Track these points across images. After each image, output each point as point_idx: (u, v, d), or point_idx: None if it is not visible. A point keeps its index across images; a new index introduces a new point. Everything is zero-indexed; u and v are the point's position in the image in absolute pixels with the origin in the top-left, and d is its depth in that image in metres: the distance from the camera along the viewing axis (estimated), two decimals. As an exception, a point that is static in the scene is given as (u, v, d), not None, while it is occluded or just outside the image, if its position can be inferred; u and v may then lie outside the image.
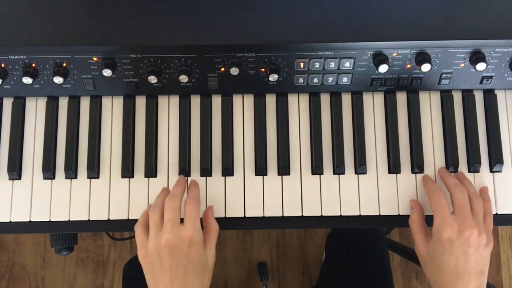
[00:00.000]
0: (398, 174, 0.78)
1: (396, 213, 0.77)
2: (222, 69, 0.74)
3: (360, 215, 0.77)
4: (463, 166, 0.78)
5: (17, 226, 0.77)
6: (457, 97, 0.80)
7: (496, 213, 0.76)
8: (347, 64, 0.74)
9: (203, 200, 0.77)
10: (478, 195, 0.73)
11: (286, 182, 0.77)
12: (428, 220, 0.75)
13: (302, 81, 0.77)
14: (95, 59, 0.72)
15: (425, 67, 0.72)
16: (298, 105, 0.80)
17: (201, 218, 0.74)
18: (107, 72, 0.72)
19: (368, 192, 0.77)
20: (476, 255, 0.68)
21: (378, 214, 0.77)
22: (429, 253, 0.71)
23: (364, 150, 0.78)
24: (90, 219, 0.76)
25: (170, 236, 0.66)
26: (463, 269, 0.68)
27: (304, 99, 0.80)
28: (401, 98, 0.80)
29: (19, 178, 0.77)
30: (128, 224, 0.76)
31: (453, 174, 0.77)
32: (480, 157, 0.77)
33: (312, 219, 0.77)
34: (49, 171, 0.77)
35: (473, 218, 0.70)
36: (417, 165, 0.77)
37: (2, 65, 0.73)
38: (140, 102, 0.80)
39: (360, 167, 0.77)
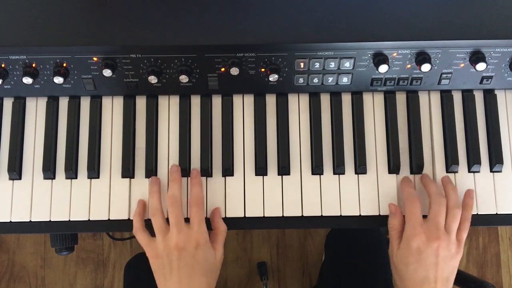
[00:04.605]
0: (398, 174, 0.78)
1: (396, 213, 0.77)
2: (222, 69, 0.74)
3: (360, 215, 0.77)
4: (463, 166, 0.78)
5: (17, 226, 0.77)
6: (457, 97, 0.80)
7: (496, 213, 0.76)
8: (347, 64, 0.74)
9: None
10: (457, 205, 0.73)
11: (286, 182, 0.77)
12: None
13: (302, 81, 0.77)
14: (95, 59, 0.72)
15: (425, 67, 0.72)
16: (298, 105, 0.80)
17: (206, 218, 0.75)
18: (107, 72, 0.72)
19: (368, 192, 0.77)
20: (443, 265, 0.70)
21: (378, 214, 0.77)
22: (398, 259, 0.73)
23: (364, 150, 0.78)
24: (90, 219, 0.76)
25: (178, 240, 0.70)
26: (428, 277, 0.70)
27: (304, 99, 0.80)
28: (401, 98, 0.80)
29: (19, 178, 0.77)
30: (128, 224, 0.76)
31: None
32: (480, 157, 0.77)
33: (312, 219, 0.77)
34: (49, 171, 0.77)
35: (444, 229, 0.71)
36: (417, 165, 0.77)
37: (2, 65, 0.73)
38: (140, 102, 0.80)
39: (360, 167, 0.77)
